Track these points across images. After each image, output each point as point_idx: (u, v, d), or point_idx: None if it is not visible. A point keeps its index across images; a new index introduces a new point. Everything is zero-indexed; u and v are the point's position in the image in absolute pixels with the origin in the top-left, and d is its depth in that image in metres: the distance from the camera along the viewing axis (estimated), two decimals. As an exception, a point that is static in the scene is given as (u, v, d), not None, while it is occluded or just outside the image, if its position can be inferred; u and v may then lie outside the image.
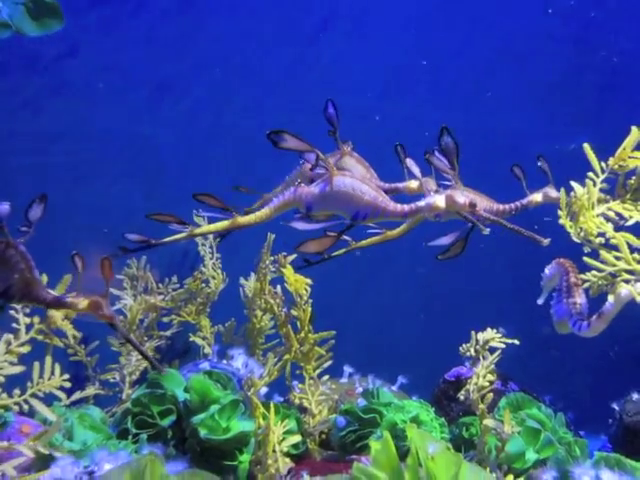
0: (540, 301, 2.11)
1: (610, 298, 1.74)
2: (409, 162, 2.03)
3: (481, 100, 3.44)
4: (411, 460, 1.43)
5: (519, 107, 3.45)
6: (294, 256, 2.72)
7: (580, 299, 1.92)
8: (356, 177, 1.99)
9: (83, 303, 1.82)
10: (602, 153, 1.93)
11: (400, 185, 2.21)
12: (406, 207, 1.93)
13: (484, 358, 2.12)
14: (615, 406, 2.70)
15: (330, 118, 2.11)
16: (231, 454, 2.19)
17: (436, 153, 2.06)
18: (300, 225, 2.07)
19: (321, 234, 2.13)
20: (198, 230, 2.06)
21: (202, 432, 2.15)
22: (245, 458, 2.20)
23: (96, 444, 2.01)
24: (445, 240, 2.31)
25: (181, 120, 3.24)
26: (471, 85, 3.45)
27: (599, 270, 1.76)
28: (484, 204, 2.25)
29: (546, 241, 1.89)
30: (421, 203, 1.91)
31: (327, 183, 1.99)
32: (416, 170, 2.01)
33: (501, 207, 2.26)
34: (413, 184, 2.22)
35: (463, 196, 1.87)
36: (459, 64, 3.46)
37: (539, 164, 2.21)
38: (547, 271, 2.10)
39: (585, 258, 1.77)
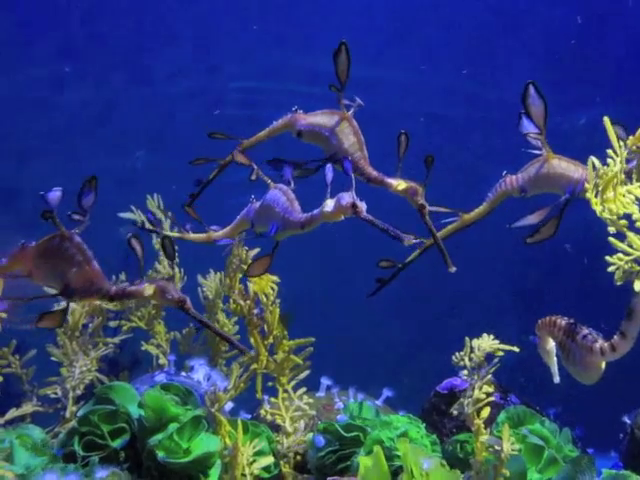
0: (556, 379, 2.23)
1: (636, 286, 1.81)
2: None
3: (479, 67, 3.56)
4: (406, 477, 1.54)
5: (520, 73, 3.58)
6: (257, 250, 2.81)
7: (586, 330, 2.07)
8: (284, 189, 2.22)
9: (149, 290, 1.96)
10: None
11: (389, 180, 2.32)
12: (302, 217, 2.16)
13: (480, 368, 2.22)
14: (626, 419, 2.83)
15: (340, 68, 2.23)
16: (195, 479, 2.26)
17: (523, 117, 2.18)
18: (222, 242, 2.52)
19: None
20: (188, 236, 2.57)
21: (160, 454, 2.21)
22: (211, 483, 2.27)
23: (41, 467, 2.07)
24: (533, 219, 2.30)
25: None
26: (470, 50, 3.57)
27: (625, 253, 1.85)
28: (579, 173, 2.22)
29: (407, 240, 2.04)
30: (315, 211, 2.12)
31: (264, 197, 2.28)
32: None
33: None
34: (402, 185, 2.33)
35: (349, 198, 2.02)
36: (457, 27, 3.58)
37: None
38: (540, 343, 2.24)
39: (610, 239, 1.86)
